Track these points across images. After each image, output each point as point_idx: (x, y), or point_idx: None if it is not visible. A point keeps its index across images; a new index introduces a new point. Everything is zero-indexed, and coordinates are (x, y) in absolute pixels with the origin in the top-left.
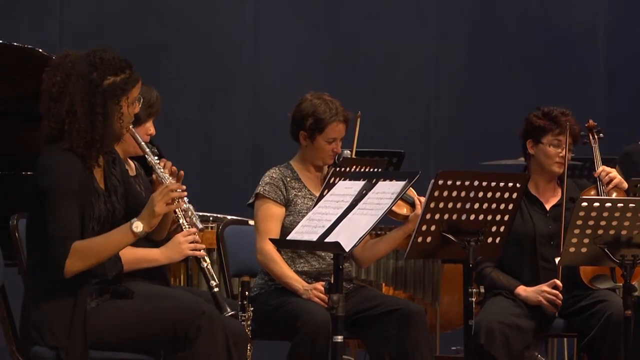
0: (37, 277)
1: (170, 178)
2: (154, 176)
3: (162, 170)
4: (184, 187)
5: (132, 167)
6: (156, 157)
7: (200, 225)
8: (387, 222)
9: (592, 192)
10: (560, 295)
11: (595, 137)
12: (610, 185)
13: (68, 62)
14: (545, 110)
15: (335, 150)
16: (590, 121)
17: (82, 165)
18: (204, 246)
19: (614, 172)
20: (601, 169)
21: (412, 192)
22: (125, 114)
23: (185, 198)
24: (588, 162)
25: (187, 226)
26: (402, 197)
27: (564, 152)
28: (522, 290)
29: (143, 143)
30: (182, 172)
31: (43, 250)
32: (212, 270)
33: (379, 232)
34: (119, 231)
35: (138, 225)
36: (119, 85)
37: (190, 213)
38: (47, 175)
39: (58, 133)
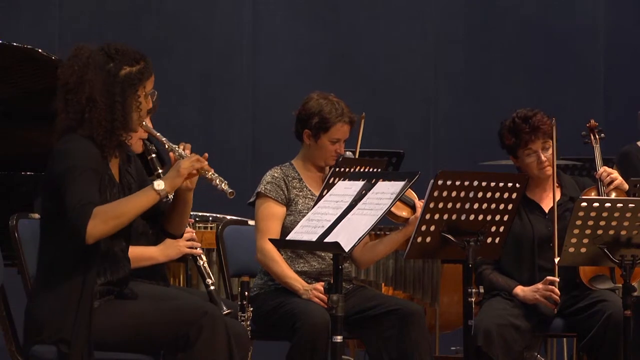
0: (44, 273)
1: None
2: (171, 155)
3: (182, 151)
4: (207, 155)
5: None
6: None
7: (230, 189)
8: (388, 222)
9: (593, 193)
10: (556, 290)
11: (597, 137)
12: (611, 186)
13: (84, 53)
14: (508, 124)
15: (338, 151)
16: (592, 121)
17: (100, 153)
18: (199, 245)
19: (615, 173)
20: (602, 169)
21: (412, 194)
22: (143, 104)
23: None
24: (588, 163)
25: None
26: (402, 199)
27: (542, 156)
28: (519, 290)
29: (159, 134)
30: (206, 154)
31: (56, 242)
32: (208, 269)
33: (378, 233)
34: (141, 192)
35: (160, 184)
36: (135, 75)
37: (218, 181)
38: (64, 158)
39: (77, 124)
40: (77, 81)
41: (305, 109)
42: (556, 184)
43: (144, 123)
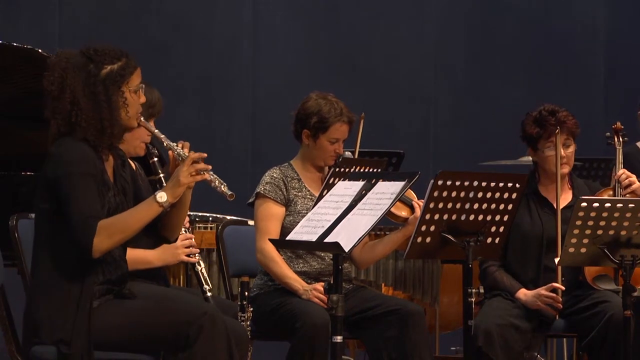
0: (43, 274)
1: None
2: (170, 153)
3: (182, 150)
4: (205, 155)
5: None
6: (173, 144)
7: (229, 192)
8: (387, 222)
9: (608, 194)
10: (558, 298)
11: (621, 139)
12: (628, 190)
13: (62, 59)
14: (534, 115)
15: (337, 151)
16: (618, 123)
17: (96, 156)
18: (198, 251)
19: (634, 177)
20: (622, 171)
21: (411, 194)
22: (129, 100)
23: (210, 171)
24: (587, 162)
25: (183, 231)
26: (402, 199)
27: (562, 152)
28: (522, 294)
29: (157, 131)
30: (205, 154)
31: (55, 242)
32: (205, 275)
33: (378, 233)
34: (143, 204)
35: (162, 196)
36: (117, 72)
37: (217, 182)
38: (62, 162)
39: (67, 129)
40: (58, 87)
41: (303, 109)
42: (568, 186)
43: (141, 118)
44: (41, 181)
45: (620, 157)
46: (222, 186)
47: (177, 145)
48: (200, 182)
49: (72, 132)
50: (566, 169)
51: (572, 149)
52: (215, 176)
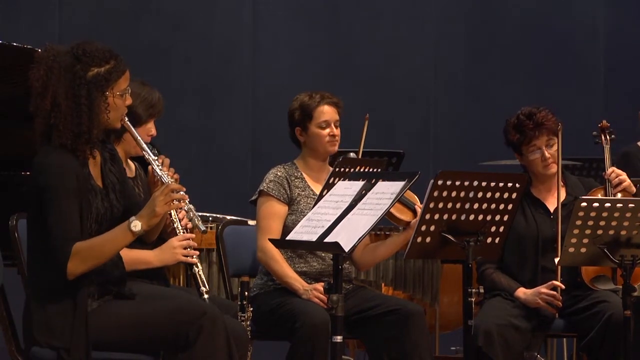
0: (39, 277)
1: (170, 177)
2: (149, 168)
3: (160, 167)
4: (184, 188)
5: (131, 168)
6: (155, 153)
7: (202, 227)
8: (388, 222)
9: (600, 193)
10: (558, 296)
11: (607, 137)
12: (619, 188)
13: (50, 56)
14: (513, 121)
15: (331, 134)
16: (604, 122)
17: (78, 162)
18: (197, 253)
19: (624, 175)
20: (611, 170)
21: (414, 198)
22: (112, 105)
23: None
24: (587, 162)
25: (181, 231)
26: (404, 202)
27: (546, 153)
28: (521, 293)
29: (140, 138)
30: (177, 176)
31: (44, 250)
32: (203, 277)
33: (378, 233)
34: (117, 231)
35: (137, 225)
36: (103, 75)
37: (192, 214)
38: (44, 175)
39: (47, 129)
40: (42, 85)
41: (289, 110)
42: (561, 184)
43: (126, 120)
44: (30, 187)
45: (607, 155)
46: (196, 219)
47: (157, 160)
48: (195, 184)
49: (50, 133)
50: (554, 168)
51: (556, 147)
52: (190, 207)
